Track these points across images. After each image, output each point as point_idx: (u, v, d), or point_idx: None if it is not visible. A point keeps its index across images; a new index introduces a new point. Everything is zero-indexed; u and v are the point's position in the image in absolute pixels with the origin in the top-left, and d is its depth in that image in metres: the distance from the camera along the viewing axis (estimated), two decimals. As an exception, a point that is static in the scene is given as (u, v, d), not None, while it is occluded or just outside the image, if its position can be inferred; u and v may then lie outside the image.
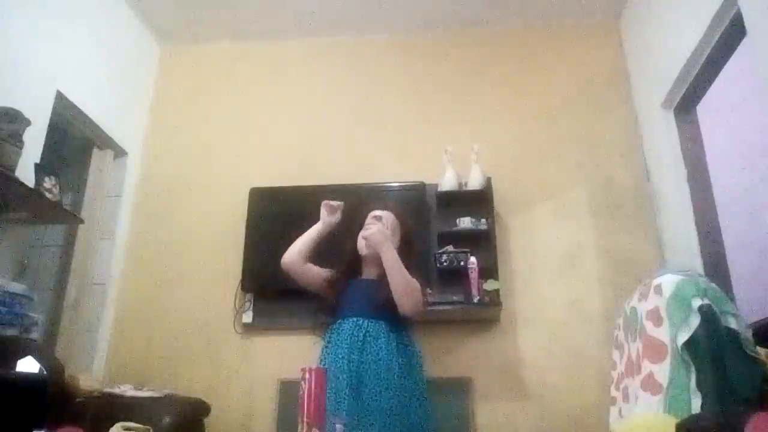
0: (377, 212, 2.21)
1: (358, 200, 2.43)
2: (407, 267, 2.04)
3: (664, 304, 1.77)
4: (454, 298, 2.77)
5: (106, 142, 3.17)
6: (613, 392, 2.11)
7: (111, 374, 2.90)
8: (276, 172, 3.23)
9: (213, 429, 2.67)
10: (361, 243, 2.17)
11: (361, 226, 2.20)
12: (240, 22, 3.49)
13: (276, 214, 3.05)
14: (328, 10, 3.38)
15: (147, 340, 3.02)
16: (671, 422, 1.48)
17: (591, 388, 2.68)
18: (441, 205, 3.01)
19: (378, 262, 2.08)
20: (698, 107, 2.87)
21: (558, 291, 2.93)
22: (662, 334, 1.75)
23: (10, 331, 2.09)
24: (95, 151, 3.17)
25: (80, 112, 2.90)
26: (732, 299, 2.05)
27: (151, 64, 3.59)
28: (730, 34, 2.36)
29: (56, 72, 2.72)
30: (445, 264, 2.81)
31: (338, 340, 2.03)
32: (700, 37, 2.47)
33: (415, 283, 2.04)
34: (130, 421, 2.01)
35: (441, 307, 2.72)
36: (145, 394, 2.46)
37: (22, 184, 2.23)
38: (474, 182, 2.97)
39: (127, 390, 2.48)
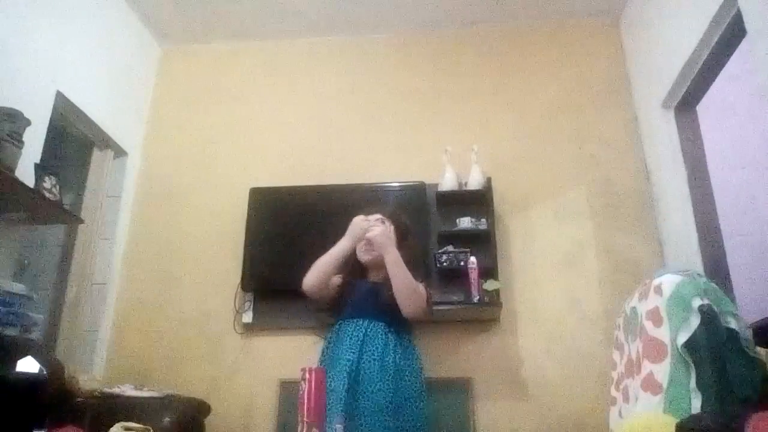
0: (378, 215, 2.19)
1: (353, 202, 2.43)
2: (407, 266, 2.04)
3: (664, 304, 1.77)
4: (454, 298, 2.77)
5: (106, 142, 3.17)
6: (613, 392, 2.11)
7: (111, 374, 2.90)
8: (276, 172, 3.23)
9: (213, 429, 2.67)
10: (359, 249, 2.15)
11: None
12: (240, 22, 3.48)
13: (276, 214, 3.06)
14: (328, 10, 3.38)
15: (147, 340, 3.02)
16: (671, 422, 1.48)
17: (591, 388, 2.68)
18: (441, 205, 3.01)
19: (382, 264, 2.07)
20: (698, 107, 2.86)
21: (558, 291, 2.93)
22: (662, 334, 1.75)
23: (10, 331, 2.09)
24: (95, 151, 3.17)
25: (80, 112, 2.90)
26: (732, 299, 2.05)
27: (151, 65, 3.59)
28: (730, 34, 2.36)
29: (56, 72, 2.72)
30: (445, 264, 2.81)
31: (337, 340, 2.04)
32: (700, 37, 2.47)
33: (417, 286, 2.04)
34: (130, 421, 2.02)
35: (441, 307, 2.72)
36: (145, 394, 2.46)
37: (22, 184, 2.22)
38: (474, 182, 2.97)
39: (127, 390, 2.48)
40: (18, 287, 2.20)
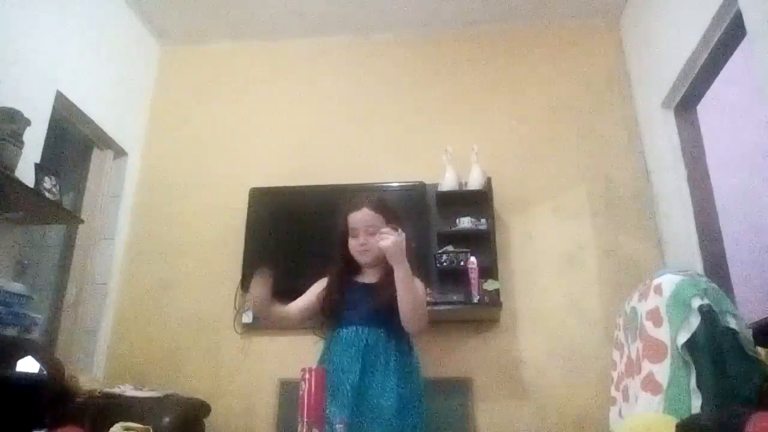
0: (385, 229, 1.90)
1: (340, 200, 2.18)
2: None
3: (664, 304, 1.77)
4: (454, 298, 2.77)
5: (106, 142, 3.17)
6: (613, 392, 2.11)
7: (111, 374, 2.90)
8: (276, 172, 3.23)
9: (213, 429, 2.67)
10: (356, 251, 2.00)
11: (344, 232, 2.03)
12: (240, 22, 3.48)
13: (276, 214, 3.06)
14: (328, 10, 3.38)
15: (147, 340, 3.02)
16: (671, 422, 1.48)
17: (591, 388, 2.68)
18: (441, 205, 3.01)
19: (378, 267, 1.99)
20: (698, 107, 2.87)
21: (558, 291, 2.93)
22: (662, 334, 1.75)
23: (10, 331, 2.09)
24: (95, 151, 3.18)
25: (80, 112, 2.90)
26: (732, 299, 2.05)
27: (151, 65, 3.59)
28: (730, 34, 2.36)
29: (56, 72, 2.72)
30: (445, 264, 2.81)
31: (337, 349, 1.95)
32: (700, 37, 2.47)
33: (423, 303, 1.94)
34: (130, 421, 2.02)
35: (441, 307, 2.72)
36: (145, 394, 2.46)
37: (22, 184, 2.23)
38: (474, 182, 2.97)
39: (127, 390, 2.48)
40: (18, 287, 2.20)
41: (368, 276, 2.06)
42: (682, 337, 1.68)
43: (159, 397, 2.45)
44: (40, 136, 2.54)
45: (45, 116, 2.60)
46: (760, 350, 1.71)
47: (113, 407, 2.26)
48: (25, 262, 2.92)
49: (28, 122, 2.26)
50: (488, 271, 2.79)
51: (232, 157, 3.37)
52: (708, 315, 1.68)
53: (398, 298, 1.85)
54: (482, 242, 2.86)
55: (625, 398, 1.99)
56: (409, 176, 3.07)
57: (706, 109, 2.89)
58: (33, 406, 1.90)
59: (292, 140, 3.37)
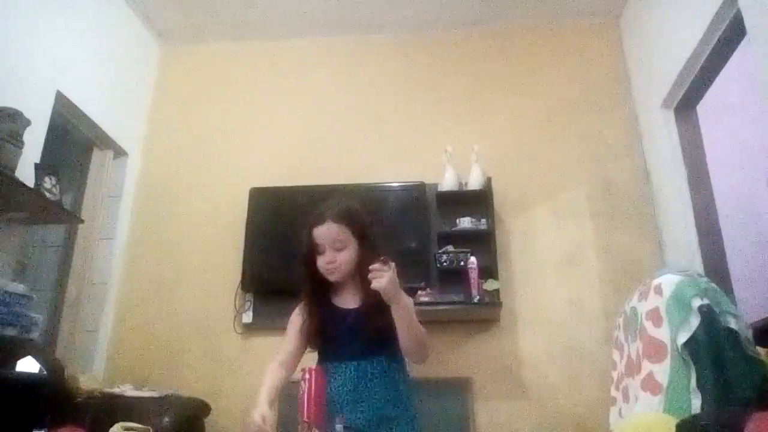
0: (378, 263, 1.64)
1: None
2: (367, 262, 1.67)
3: (664, 304, 1.77)
4: (454, 298, 2.77)
5: (106, 142, 3.17)
6: (613, 392, 2.11)
7: (111, 374, 2.90)
8: (276, 172, 3.23)
9: (213, 429, 2.67)
10: (324, 269, 1.77)
11: (310, 249, 1.79)
12: (240, 22, 3.49)
13: (276, 214, 3.06)
14: (328, 10, 3.38)
15: (147, 340, 3.02)
16: (671, 422, 1.48)
17: (591, 388, 2.68)
18: (441, 205, 3.01)
19: (352, 285, 1.80)
20: (698, 107, 2.87)
21: (558, 291, 2.93)
22: (662, 334, 1.75)
23: (10, 331, 2.09)
24: (95, 151, 3.18)
25: (80, 112, 2.90)
26: (732, 299, 2.05)
27: (151, 64, 3.59)
28: (730, 34, 2.36)
29: (56, 72, 2.72)
30: (445, 264, 2.81)
31: (337, 385, 1.71)
32: (700, 37, 2.47)
33: (426, 335, 1.76)
34: (130, 421, 2.02)
35: (441, 307, 2.72)
36: (145, 394, 2.46)
37: (22, 184, 2.23)
38: (474, 182, 2.97)
39: (127, 390, 2.48)
40: (18, 287, 2.20)
41: (345, 297, 1.82)
42: (682, 337, 1.68)
43: (159, 397, 2.45)
44: (40, 136, 2.54)
45: (45, 116, 2.60)
46: (760, 350, 1.71)
47: (113, 407, 2.26)
48: (25, 262, 2.92)
49: (28, 122, 2.26)
50: (488, 271, 2.79)
51: (232, 157, 3.37)
52: (708, 315, 1.68)
53: (399, 335, 1.69)
54: (482, 242, 2.86)
55: (625, 398, 1.99)
56: (409, 176, 3.08)
57: (706, 109, 2.89)
58: (33, 406, 1.90)
59: (292, 140, 3.37)
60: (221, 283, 3.05)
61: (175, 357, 2.97)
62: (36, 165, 2.41)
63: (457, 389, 2.77)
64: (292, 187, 3.13)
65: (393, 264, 1.62)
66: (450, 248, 2.84)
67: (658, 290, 1.81)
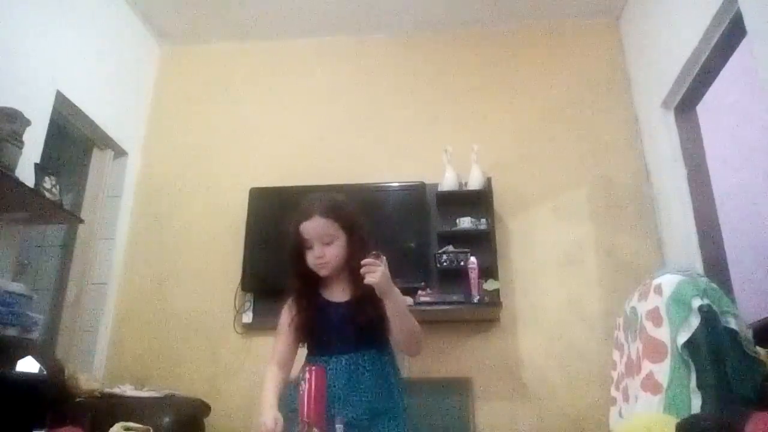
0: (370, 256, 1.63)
1: (353, 202, 2.00)
2: (356, 255, 1.67)
3: (664, 304, 1.77)
4: (454, 298, 2.76)
5: (106, 142, 3.17)
6: (613, 392, 2.11)
7: (111, 374, 2.90)
8: (276, 172, 3.23)
9: (213, 429, 2.67)
10: (313, 264, 1.76)
11: (298, 244, 1.77)
12: (240, 22, 3.48)
13: (276, 214, 3.04)
14: (328, 10, 3.38)
15: (147, 340, 3.02)
16: (671, 422, 1.48)
17: (591, 388, 2.68)
18: (441, 205, 3.01)
19: (343, 280, 1.78)
20: (698, 107, 2.87)
21: (558, 291, 2.93)
22: (662, 334, 1.75)
23: (10, 331, 2.09)
24: (95, 151, 3.18)
25: (80, 112, 2.90)
26: (732, 299, 2.05)
27: (151, 65, 3.59)
28: (730, 34, 2.36)
29: (56, 72, 2.72)
30: (445, 264, 2.81)
31: (329, 378, 1.66)
32: (700, 37, 2.47)
33: (419, 328, 1.75)
34: (130, 421, 2.02)
35: (441, 307, 2.72)
36: (145, 394, 2.46)
37: (22, 184, 2.23)
38: (474, 182, 2.97)
39: (127, 390, 2.48)
40: (18, 287, 2.20)
41: (335, 291, 1.81)
42: (682, 337, 1.68)
43: (159, 397, 2.45)
44: (40, 136, 2.54)
45: (45, 116, 2.60)
46: (760, 350, 1.71)
47: (113, 407, 2.26)
48: (25, 262, 2.92)
49: (28, 122, 2.26)
50: (488, 271, 2.79)
51: (232, 157, 3.37)
52: (708, 315, 1.68)
53: (393, 329, 1.69)
54: (482, 242, 2.86)
55: (625, 398, 1.99)
56: (409, 176, 3.07)
57: (706, 109, 2.89)
58: (33, 406, 1.91)
59: (292, 140, 3.37)
60: (221, 283, 3.05)
61: (175, 357, 2.97)
62: (36, 165, 2.41)
63: (457, 389, 2.77)
64: (292, 187, 3.12)
65: (384, 258, 1.62)
66: (450, 248, 2.84)
67: (658, 290, 1.81)
